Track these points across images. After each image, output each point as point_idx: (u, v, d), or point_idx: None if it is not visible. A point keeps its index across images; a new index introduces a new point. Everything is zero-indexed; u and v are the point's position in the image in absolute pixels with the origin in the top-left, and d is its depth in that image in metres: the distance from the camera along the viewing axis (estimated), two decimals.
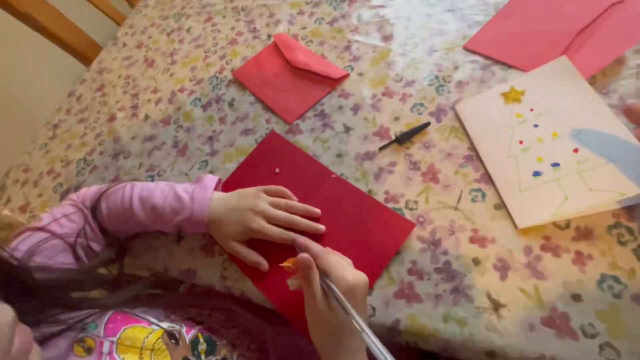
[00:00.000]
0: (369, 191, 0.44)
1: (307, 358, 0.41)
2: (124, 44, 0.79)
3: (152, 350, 0.29)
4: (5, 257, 0.25)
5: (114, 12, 0.94)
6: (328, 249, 0.35)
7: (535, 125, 0.41)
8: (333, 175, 0.46)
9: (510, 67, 0.48)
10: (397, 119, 0.48)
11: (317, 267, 0.33)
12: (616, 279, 0.33)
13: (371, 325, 0.34)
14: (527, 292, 0.34)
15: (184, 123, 0.59)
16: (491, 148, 0.42)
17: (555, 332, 0.32)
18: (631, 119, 0.34)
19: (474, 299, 0.35)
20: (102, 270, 0.41)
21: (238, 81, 0.61)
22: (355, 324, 0.27)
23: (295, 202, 0.43)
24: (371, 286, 0.38)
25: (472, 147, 0.43)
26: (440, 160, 0.43)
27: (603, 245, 0.34)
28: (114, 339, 0.28)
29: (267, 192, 0.43)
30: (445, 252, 0.38)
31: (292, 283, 0.35)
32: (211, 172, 0.52)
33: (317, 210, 0.43)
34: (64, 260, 0.37)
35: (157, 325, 0.31)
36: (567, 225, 0.36)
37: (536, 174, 0.38)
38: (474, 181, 0.41)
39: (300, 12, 0.66)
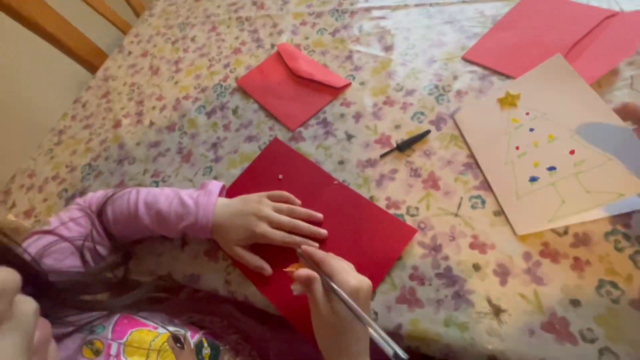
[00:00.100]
0: (371, 197, 0.45)
1: None
2: (130, 52, 0.80)
3: (158, 353, 0.29)
4: (24, 256, 0.26)
5: (120, 21, 0.96)
6: (331, 254, 0.36)
7: (531, 130, 0.40)
8: (335, 182, 0.47)
9: (508, 77, 0.49)
10: (397, 127, 0.50)
11: (322, 271, 0.33)
12: (614, 285, 0.33)
13: None
14: (527, 298, 0.35)
15: (188, 130, 0.60)
16: (489, 156, 0.43)
17: (554, 337, 0.32)
18: (626, 118, 0.34)
19: (474, 304, 0.35)
20: (108, 274, 0.41)
21: (242, 89, 0.62)
22: (361, 321, 0.28)
23: (297, 207, 0.44)
24: (373, 291, 0.39)
25: (472, 155, 0.44)
26: (441, 168, 0.44)
27: (601, 252, 0.35)
28: (122, 341, 0.28)
29: (271, 198, 0.44)
30: (446, 258, 0.39)
31: (296, 288, 0.36)
32: (215, 178, 0.53)
33: (320, 215, 0.44)
34: (73, 263, 0.37)
35: (164, 328, 0.32)
36: (565, 232, 0.37)
37: (532, 179, 0.38)
38: (474, 188, 0.42)
39: (303, 23, 0.68)
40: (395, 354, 0.25)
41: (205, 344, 0.35)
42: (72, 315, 0.28)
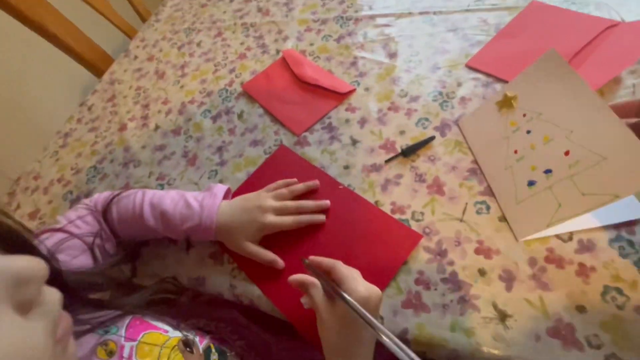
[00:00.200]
0: (376, 202, 0.45)
1: None
2: (136, 57, 0.81)
3: (168, 357, 0.29)
4: (43, 253, 0.26)
5: (126, 26, 0.97)
6: (339, 262, 0.36)
7: (528, 132, 0.39)
8: (340, 186, 0.47)
9: None
10: (402, 132, 0.50)
11: (330, 279, 0.33)
12: (619, 291, 0.34)
13: None
14: (533, 303, 0.35)
15: (193, 133, 0.61)
16: (490, 161, 0.43)
17: (560, 343, 0.32)
18: (626, 115, 0.33)
19: (480, 309, 0.36)
20: (116, 272, 0.41)
21: (247, 94, 0.63)
22: (374, 329, 0.28)
23: (296, 186, 0.46)
24: None
25: (476, 161, 0.45)
26: (445, 173, 0.45)
27: (605, 258, 0.35)
28: (134, 343, 0.28)
29: (268, 190, 0.46)
30: (452, 263, 0.39)
31: (306, 302, 0.36)
32: (221, 181, 0.53)
33: (316, 182, 0.47)
34: (85, 260, 0.38)
35: (178, 331, 0.32)
36: (570, 238, 0.37)
37: (531, 183, 0.38)
38: (479, 194, 0.42)
39: (308, 29, 0.69)
40: None
41: (213, 349, 0.35)
42: (84, 314, 0.28)
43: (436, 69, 0.55)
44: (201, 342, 0.34)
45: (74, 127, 0.72)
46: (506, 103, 0.42)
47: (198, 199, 0.44)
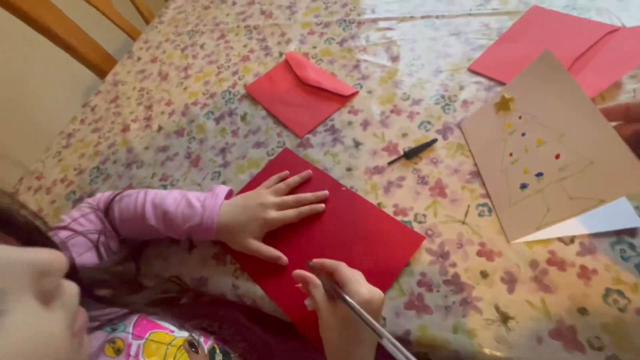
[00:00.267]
0: (379, 204, 0.45)
1: None
2: (139, 58, 0.82)
3: (174, 356, 0.29)
4: (60, 246, 0.27)
5: (129, 27, 0.98)
6: (343, 263, 0.36)
7: (523, 134, 0.39)
8: (343, 188, 0.48)
9: None
10: (405, 135, 0.50)
11: (334, 280, 0.34)
12: (621, 293, 0.34)
13: None
14: (535, 305, 0.35)
15: (197, 135, 0.61)
16: (488, 164, 0.43)
17: (562, 345, 0.33)
18: (614, 119, 0.33)
19: (482, 311, 0.36)
20: (119, 268, 0.42)
21: (250, 96, 0.63)
22: (375, 332, 0.28)
23: (291, 178, 0.48)
24: None
25: (477, 164, 0.45)
26: (448, 176, 0.45)
27: (607, 261, 0.36)
28: (141, 342, 0.29)
29: (266, 187, 0.47)
30: (454, 265, 0.39)
31: (309, 304, 0.36)
32: (224, 182, 0.54)
33: (309, 172, 0.49)
34: (91, 257, 0.38)
35: (183, 331, 0.32)
36: (572, 241, 0.37)
37: (523, 186, 0.37)
38: (480, 196, 0.42)
39: (311, 32, 0.70)
40: None
41: (218, 350, 0.35)
42: (94, 310, 0.28)
43: (438, 73, 0.55)
44: (205, 343, 0.35)
45: (77, 127, 0.72)
46: (503, 105, 0.42)
47: (200, 199, 0.44)
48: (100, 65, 0.89)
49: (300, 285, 0.37)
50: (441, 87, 0.54)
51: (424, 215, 0.43)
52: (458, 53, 0.57)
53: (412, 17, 0.64)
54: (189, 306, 0.46)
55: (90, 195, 0.59)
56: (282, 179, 0.49)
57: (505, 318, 0.35)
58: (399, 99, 0.54)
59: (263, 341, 0.46)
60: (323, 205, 0.46)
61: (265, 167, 0.53)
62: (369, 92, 0.57)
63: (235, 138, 0.58)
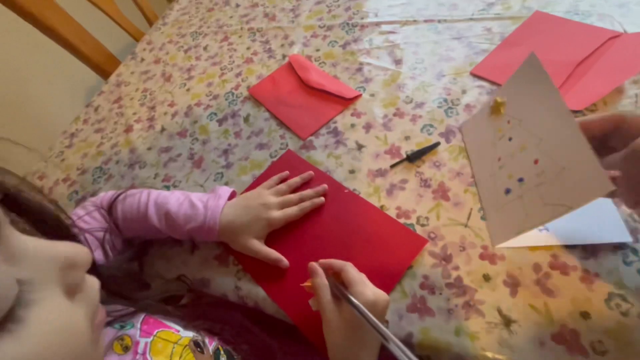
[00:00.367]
0: (382, 206, 0.45)
1: None
2: (142, 59, 0.82)
3: (180, 355, 0.29)
4: (81, 239, 0.27)
5: (133, 28, 0.98)
6: (349, 263, 0.36)
7: (510, 139, 0.37)
8: (346, 190, 0.48)
9: None
10: (407, 138, 0.51)
11: (339, 282, 0.34)
12: (623, 298, 0.34)
13: None
14: (537, 309, 0.35)
15: (200, 136, 0.61)
16: (480, 168, 0.42)
17: (565, 349, 0.33)
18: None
19: (485, 314, 0.36)
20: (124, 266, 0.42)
21: (253, 98, 0.63)
22: (380, 334, 0.28)
23: (292, 179, 0.48)
24: None
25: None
26: (450, 179, 0.45)
27: (609, 265, 0.36)
28: (149, 339, 0.29)
29: (267, 187, 0.47)
30: (457, 268, 0.39)
31: (314, 304, 0.36)
32: (226, 184, 0.54)
33: (311, 173, 0.49)
34: (96, 255, 0.38)
35: (188, 331, 0.32)
36: (574, 245, 0.38)
37: (507, 191, 0.36)
38: None
39: (314, 35, 0.70)
40: None
41: (222, 352, 0.35)
42: (107, 305, 0.29)
43: (441, 76, 0.56)
44: (210, 344, 0.35)
45: (80, 127, 0.72)
46: (496, 109, 0.41)
47: (203, 200, 0.44)
48: (103, 66, 0.90)
49: (305, 285, 0.37)
50: (444, 90, 0.54)
51: (427, 218, 0.43)
52: (461, 57, 0.57)
53: (415, 21, 0.64)
54: (190, 307, 0.46)
55: (93, 195, 0.59)
56: (283, 179, 0.49)
57: (507, 321, 0.35)
58: (401, 102, 0.55)
59: (265, 344, 0.46)
60: (323, 198, 0.46)
61: (268, 168, 0.53)
62: (372, 95, 0.57)
63: (238, 139, 0.59)
